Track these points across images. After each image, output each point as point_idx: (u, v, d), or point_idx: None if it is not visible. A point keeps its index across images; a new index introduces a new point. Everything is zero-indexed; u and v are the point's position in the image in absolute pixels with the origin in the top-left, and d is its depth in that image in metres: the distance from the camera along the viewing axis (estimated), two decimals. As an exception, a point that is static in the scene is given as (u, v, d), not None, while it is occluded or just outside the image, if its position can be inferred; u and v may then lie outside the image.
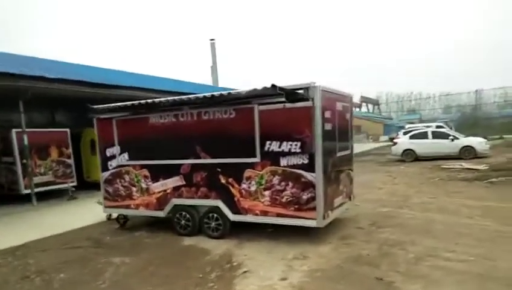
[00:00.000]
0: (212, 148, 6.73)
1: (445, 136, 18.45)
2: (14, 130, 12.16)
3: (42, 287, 5.16)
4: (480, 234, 6.13)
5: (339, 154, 6.69)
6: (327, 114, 6.14)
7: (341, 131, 6.83)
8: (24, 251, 6.86)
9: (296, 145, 6.03)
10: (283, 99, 5.80)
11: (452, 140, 17.83)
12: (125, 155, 7.63)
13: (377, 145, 37.52)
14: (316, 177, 5.89)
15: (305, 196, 5.99)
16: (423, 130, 19.98)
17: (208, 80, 42.35)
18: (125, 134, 7.61)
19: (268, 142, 6.21)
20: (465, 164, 14.95)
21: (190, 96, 6.74)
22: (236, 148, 6.47)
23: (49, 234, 7.84)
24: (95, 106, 7.50)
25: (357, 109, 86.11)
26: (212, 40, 47.81)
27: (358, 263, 5.22)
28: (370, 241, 6.16)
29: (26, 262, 6.21)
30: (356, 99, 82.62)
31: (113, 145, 7.74)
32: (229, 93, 6.11)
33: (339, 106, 6.73)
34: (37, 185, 12.39)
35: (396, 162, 18.83)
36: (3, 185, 12.83)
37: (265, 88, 5.68)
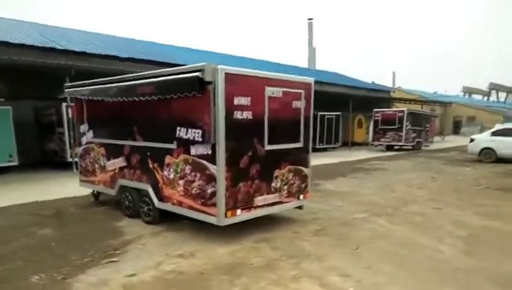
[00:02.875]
0: (144, 131, 6.57)
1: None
2: (64, 104, 13.59)
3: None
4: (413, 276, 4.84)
5: (270, 147, 5.89)
6: (241, 100, 5.42)
7: (280, 121, 6.00)
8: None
9: (198, 133, 5.51)
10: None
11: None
12: (91, 132, 7.92)
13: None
14: (217, 170, 5.30)
15: (209, 190, 5.46)
16: (509, 126, 16.53)
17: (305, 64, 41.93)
18: (91, 112, 7.88)
19: (178, 128, 5.80)
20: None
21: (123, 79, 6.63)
22: (159, 133, 6.19)
23: (34, 200, 8.63)
24: (67, 84, 7.88)
25: (485, 98, 75.54)
26: (310, 19, 46.67)
27: (231, 272, 4.56)
28: (280, 249, 5.35)
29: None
30: (485, 86, 72.29)
31: (83, 122, 8.10)
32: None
33: (274, 92, 5.89)
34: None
35: (472, 162, 16.07)
36: (57, 152, 14.56)
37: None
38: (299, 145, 6.47)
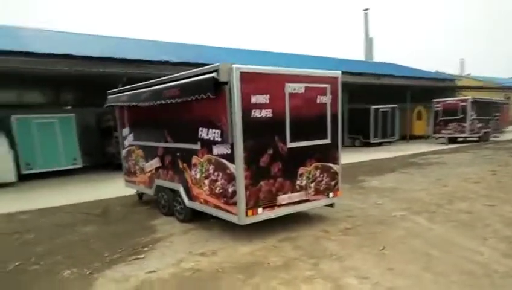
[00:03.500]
0: (173, 133, 6.78)
1: None
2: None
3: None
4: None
5: (292, 144, 5.79)
6: (259, 99, 5.38)
7: (303, 117, 5.88)
8: (44, 212, 8.38)
9: (217, 133, 5.58)
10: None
11: None
12: (132, 136, 8.35)
13: None
14: (236, 168, 5.33)
15: (230, 189, 5.51)
16: None
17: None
18: (130, 117, 8.30)
19: (200, 129, 5.91)
20: None
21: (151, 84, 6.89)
22: (185, 134, 6.35)
23: (87, 199, 9.29)
24: (109, 91, 8.37)
25: None
26: (365, 10, 45.09)
27: (246, 271, 4.56)
28: (302, 248, 5.25)
29: (35, 221, 7.62)
30: None
31: (125, 126, 8.55)
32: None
33: (296, 88, 5.77)
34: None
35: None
36: (115, 155, 15.53)
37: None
38: (326, 141, 6.27)
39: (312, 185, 6.14)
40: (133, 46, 19.92)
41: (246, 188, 5.35)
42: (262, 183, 5.52)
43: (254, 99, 5.33)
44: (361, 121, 22.06)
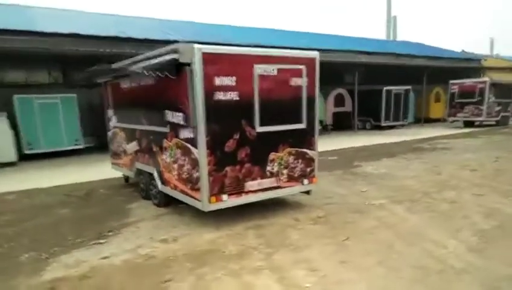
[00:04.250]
0: (147, 115, 6.62)
1: None
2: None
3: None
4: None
5: (262, 129, 5.55)
6: (224, 81, 5.14)
7: (275, 100, 5.63)
8: (30, 193, 8.45)
9: (180, 116, 5.39)
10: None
11: None
12: (115, 117, 8.26)
13: None
14: (198, 153, 5.16)
15: (195, 174, 5.36)
16: None
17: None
18: (113, 97, 8.18)
19: (166, 112, 5.73)
20: None
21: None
22: (157, 117, 6.19)
23: (75, 181, 9.34)
24: (89, 69, 8.20)
25: None
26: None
27: (198, 260, 4.44)
28: (265, 237, 5.09)
29: (18, 203, 7.71)
30: None
31: (109, 107, 8.46)
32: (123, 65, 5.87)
33: (266, 69, 5.50)
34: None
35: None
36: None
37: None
38: (301, 126, 6.00)
39: (285, 171, 5.91)
40: (142, 25, 19.69)
41: (209, 173, 5.18)
42: (227, 169, 5.34)
43: (218, 81, 5.09)
44: (372, 103, 21.43)
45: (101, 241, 5.19)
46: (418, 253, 4.36)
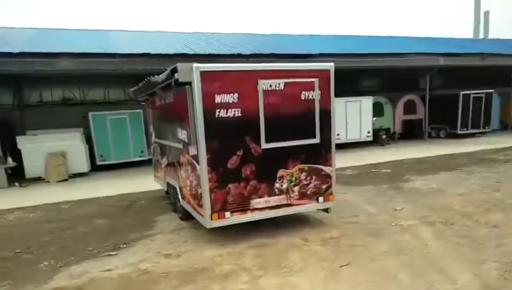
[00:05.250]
0: (170, 132, 6.87)
1: None
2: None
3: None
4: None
5: (268, 145, 5.44)
6: (225, 98, 5.16)
7: (283, 115, 5.49)
8: (83, 203, 9.22)
9: (185, 133, 5.51)
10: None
11: None
12: (153, 133, 8.71)
13: None
14: (200, 170, 5.22)
15: (199, 191, 5.43)
16: None
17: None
18: (151, 113, 8.65)
19: (178, 129, 5.90)
20: None
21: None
22: (175, 133, 6.40)
23: (122, 192, 9.98)
24: (132, 89, 8.79)
25: None
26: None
27: (187, 277, 4.49)
28: (263, 257, 4.95)
29: (70, 211, 8.47)
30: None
31: (149, 122, 8.96)
32: (148, 80, 6.12)
33: (273, 84, 5.39)
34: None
35: None
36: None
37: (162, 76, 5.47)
38: (315, 141, 5.75)
39: (296, 188, 5.70)
40: (201, 40, 20.53)
41: (211, 190, 5.20)
42: (230, 186, 5.31)
43: (219, 98, 5.12)
44: (448, 110, 19.69)
45: (112, 253, 5.48)
46: (419, 288, 3.87)
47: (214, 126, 5.10)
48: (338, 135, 17.45)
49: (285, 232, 5.82)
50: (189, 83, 5.06)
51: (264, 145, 5.42)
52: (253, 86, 5.30)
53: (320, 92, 5.68)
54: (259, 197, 5.48)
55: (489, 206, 6.55)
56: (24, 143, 12.92)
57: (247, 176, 5.38)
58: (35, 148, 12.90)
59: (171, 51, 16.05)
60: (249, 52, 17.22)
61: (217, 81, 5.09)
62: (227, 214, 5.32)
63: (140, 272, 4.74)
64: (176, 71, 5.08)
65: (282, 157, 5.56)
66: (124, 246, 5.76)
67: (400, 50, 17.95)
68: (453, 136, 19.46)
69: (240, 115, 5.24)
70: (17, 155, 12.98)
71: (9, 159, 12.58)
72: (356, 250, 4.99)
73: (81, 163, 13.70)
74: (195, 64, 5.01)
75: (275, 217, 5.72)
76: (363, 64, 17.05)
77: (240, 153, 5.30)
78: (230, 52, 17.53)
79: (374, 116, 18.68)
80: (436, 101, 19.78)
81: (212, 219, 5.25)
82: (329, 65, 5.78)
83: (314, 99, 5.67)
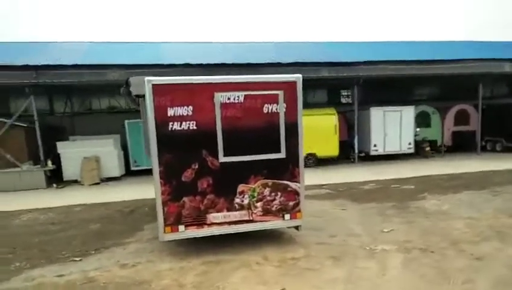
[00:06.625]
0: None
1: None
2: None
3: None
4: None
5: (227, 159, 5.31)
6: (178, 111, 5.13)
7: (243, 129, 5.34)
8: (93, 207, 9.67)
9: (147, 146, 5.53)
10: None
11: None
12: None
13: None
14: (155, 183, 5.23)
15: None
16: None
17: None
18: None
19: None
20: None
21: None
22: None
23: (133, 198, 10.34)
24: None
25: None
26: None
27: (124, 286, 4.52)
28: (204, 276, 4.81)
29: (76, 214, 8.94)
30: None
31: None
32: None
33: (230, 97, 5.26)
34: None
35: None
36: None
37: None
38: (280, 156, 5.49)
39: (258, 204, 5.48)
40: (242, 49, 20.67)
41: (164, 203, 5.19)
42: (185, 199, 5.25)
43: (172, 111, 5.10)
44: (505, 121, 17.82)
45: (77, 259, 5.67)
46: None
47: (166, 139, 5.08)
48: (375, 146, 16.64)
49: (250, 248, 5.62)
50: (143, 96, 5.10)
51: (222, 159, 5.29)
52: (209, 98, 5.20)
53: (285, 104, 5.42)
54: (218, 211, 5.35)
55: (490, 234, 5.77)
56: (63, 148, 13.96)
57: (204, 190, 5.28)
58: (73, 152, 13.87)
59: (216, 61, 16.34)
60: (290, 61, 16.99)
61: (170, 94, 5.07)
62: (181, 227, 5.25)
63: (87, 280, 4.84)
64: (129, 84, 5.15)
65: (242, 171, 5.38)
66: (93, 252, 5.94)
67: (460, 56, 16.64)
68: (511, 149, 17.55)
69: (195, 128, 5.17)
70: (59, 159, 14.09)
71: (49, 163, 13.65)
72: (306, 275, 4.65)
73: (113, 168, 14.46)
74: (146, 78, 5.04)
75: (247, 233, 5.56)
76: (417, 72, 16.10)
77: (195, 166, 5.22)
78: (271, 61, 17.46)
79: (419, 127, 17.50)
80: (493, 111, 18.01)
81: (165, 232, 5.22)
82: (296, 76, 5.50)
83: (278, 112, 5.42)
